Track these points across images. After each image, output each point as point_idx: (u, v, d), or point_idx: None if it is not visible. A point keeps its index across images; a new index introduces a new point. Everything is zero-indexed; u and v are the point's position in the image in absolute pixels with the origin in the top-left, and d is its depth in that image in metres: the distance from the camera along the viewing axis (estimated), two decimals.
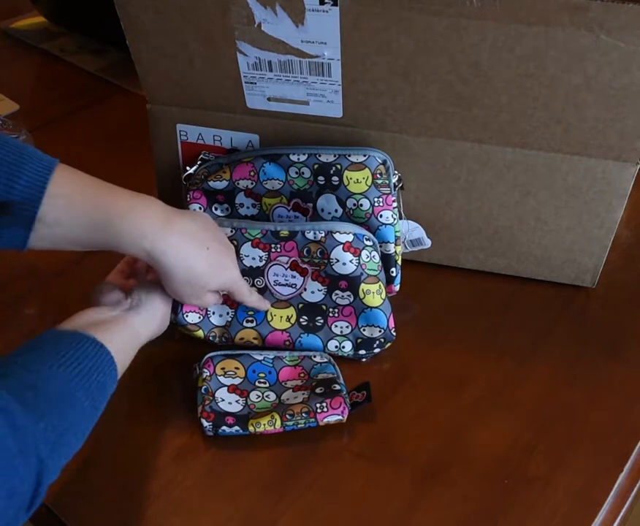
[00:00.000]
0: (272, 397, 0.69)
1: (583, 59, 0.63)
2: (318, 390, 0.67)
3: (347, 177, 0.71)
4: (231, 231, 0.72)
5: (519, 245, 0.80)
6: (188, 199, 0.76)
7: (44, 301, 0.79)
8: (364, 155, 0.71)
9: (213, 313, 0.73)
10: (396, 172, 0.74)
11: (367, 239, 0.71)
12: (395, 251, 0.75)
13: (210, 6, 0.67)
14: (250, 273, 0.72)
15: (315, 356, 0.72)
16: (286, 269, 0.72)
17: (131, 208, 0.58)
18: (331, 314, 0.72)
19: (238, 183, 0.74)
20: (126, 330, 0.60)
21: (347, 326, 0.72)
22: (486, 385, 0.71)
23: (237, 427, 0.65)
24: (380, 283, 0.71)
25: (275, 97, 0.74)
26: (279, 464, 0.64)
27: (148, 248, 0.59)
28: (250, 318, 0.73)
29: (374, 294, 0.71)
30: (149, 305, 0.64)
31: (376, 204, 0.72)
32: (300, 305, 0.73)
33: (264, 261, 0.72)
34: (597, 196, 0.74)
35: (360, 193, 0.72)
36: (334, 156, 0.72)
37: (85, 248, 0.60)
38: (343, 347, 0.72)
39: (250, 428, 0.64)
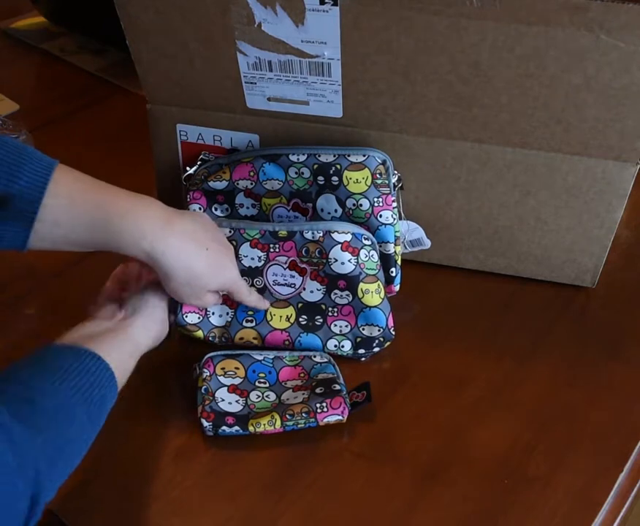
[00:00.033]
0: (272, 397, 0.69)
1: (583, 59, 0.63)
2: (318, 390, 0.67)
3: (347, 177, 0.71)
4: (230, 232, 0.72)
5: (519, 245, 0.80)
6: (188, 200, 0.76)
7: (44, 301, 0.79)
8: (364, 155, 0.71)
9: (213, 314, 0.73)
10: (396, 172, 0.74)
11: (365, 239, 0.71)
12: (395, 251, 0.75)
13: (210, 6, 0.67)
14: (250, 273, 0.72)
15: (315, 356, 0.72)
16: (285, 269, 0.72)
17: (130, 208, 0.58)
18: (330, 313, 0.72)
19: (238, 183, 0.74)
20: (124, 340, 0.60)
21: (346, 326, 0.72)
22: (486, 385, 0.71)
23: (237, 427, 0.65)
24: (379, 282, 0.71)
25: (275, 97, 0.74)
26: (279, 464, 0.64)
27: (148, 249, 0.59)
28: (249, 318, 0.73)
29: (373, 293, 0.71)
30: (144, 313, 0.63)
31: (376, 204, 0.72)
32: (299, 305, 0.73)
33: (262, 261, 0.72)
34: (597, 196, 0.74)
35: (360, 193, 0.72)
36: (334, 156, 0.72)
37: (84, 248, 0.60)
38: (343, 346, 0.72)
39: (250, 428, 0.64)
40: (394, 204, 0.73)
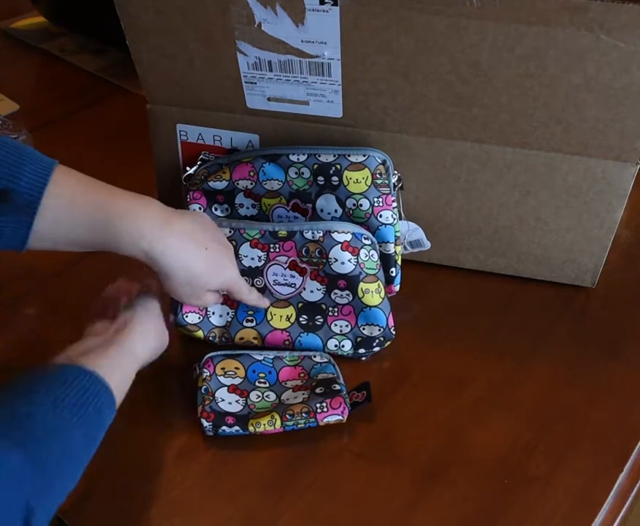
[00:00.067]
0: (272, 397, 0.69)
1: (583, 59, 0.63)
2: (318, 390, 0.67)
3: (347, 177, 0.71)
4: (230, 232, 0.72)
5: (519, 245, 0.80)
6: (188, 200, 0.76)
7: (43, 302, 0.79)
8: (364, 155, 0.71)
9: (213, 313, 0.73)
10: (396, 172, 0.74)
11: (365, 238, 0.71)
12: (395, 251, 0.75)
13: (210, 6, 0.67)
14: (250, 273, 0.72)
15: (315, 356, 0.72)
16: (285, 268, 0.72)
17: (130, 209, 0.58)
18: (330, 313, 0.72)
19: (238, 184, 0.74)
20: (120, 352, 0.58)
21: (346, 325, 0.72)
22: (486, 385, 0.71)
23: (237, 427, 0.65)
24: (379, 281, 0.71)
25: (275, 97, 0.74)
26: (279, 464, 0.64)
27: (147, 248, 0.59)
28: (250, 318, 0.73)
29: (373, 293, 0.71)
30: (138, 321, 0.61)
31: (376, 204, 0.72)
32: (300, 304, 0.73)
33: (263, 261, 0.72)
34: (597, 196, 0.74)
35: (360, 194, 0.72)
36: (334, 156, 0.72)
37: (84, 248, 0.60)
38: (343, 346, 0.72)
39: (250, 428, 0.64)
40: (394, 204, 0.73)
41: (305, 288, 0.72)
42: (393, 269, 0.75)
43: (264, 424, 0.64)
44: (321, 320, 0.72)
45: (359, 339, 0.72)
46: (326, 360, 0.72)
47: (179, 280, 0.62)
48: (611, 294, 0.81)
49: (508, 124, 0.70)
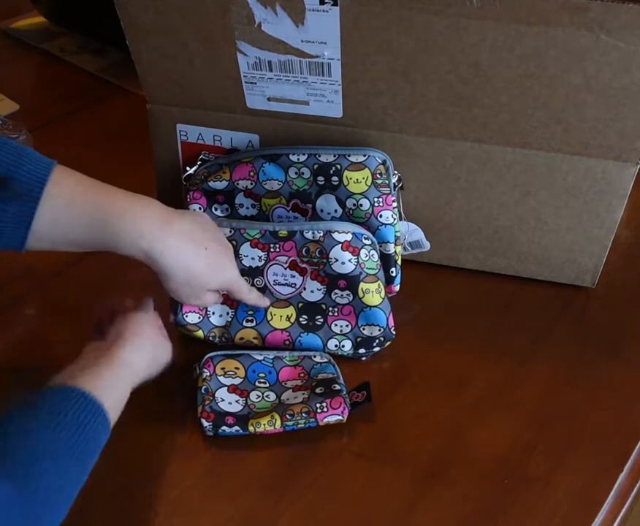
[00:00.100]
0: (272, 397, 0.69)
1: (583, 59, 0.63)
2: (318, 390, 0.67)
3: (347, 177, 0.71)
4: (230, 232, 0.72)
5: (519, 245, 0.80)
6: (188, 200, 0.76)
7: (43, 302, 0.79)
8: (364, 155, 0.71)
9: (213, 313, 0.73)
10: (396, 172, 0.74)
11: (365, 238, 0.71)
12: (395, 251, 0.75)
13: (210, 6, 0.67)
14: (250, 273, 0.72)
15: (315, 356, 0.72)
16: (285, 268, 0.72)
17: (129, 208, 0.58)
18: (330, 313, 0.72)
19: (238, 184, 0.74)
20: (114, 369, 0.56)
21: (347, 325, 0.72)
22: (486, 385, 0.71)
23: (237, 427, 0.65)
24: (379, 281, 0.71)
25: (275, 97, 0.74)
26: (279, 464, 0.64)
27: (146, 248, 0.59)
28: (250, 318, 0.73)
29: (373, 293, 0.71)
30: (131, 333, 0.60)
31: (376, 204, 0.72)
32: (300, 304, 0.73)
33: (263, 261, 0.72)
34: (597, 196, 0.74)
35: (360, 194, 0.72)
36: (334, 156, 0.72)
37: (83, 248, 0.60)
38: (343, 346, 0.72)
39: (250, 428, 0.64)
40: (394, 204, 0.73)
41: (305, 288, 0.72)
42: (393, 269, 0.75)
43: (264, 424, 0.64)
44: (321, 320, 0.72)
45: (359, 339, 0.72)
46: (326, 360, 0.71)
47: (178, 280, 0.62)
48: (611, 294, 0.81)
49: (508, 124, 0.70)
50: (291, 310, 0.73)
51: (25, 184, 0.55)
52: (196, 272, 0.62)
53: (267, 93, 0.74)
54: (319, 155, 0.72)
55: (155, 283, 0.63)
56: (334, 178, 0.72)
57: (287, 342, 0.73)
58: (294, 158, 0.72)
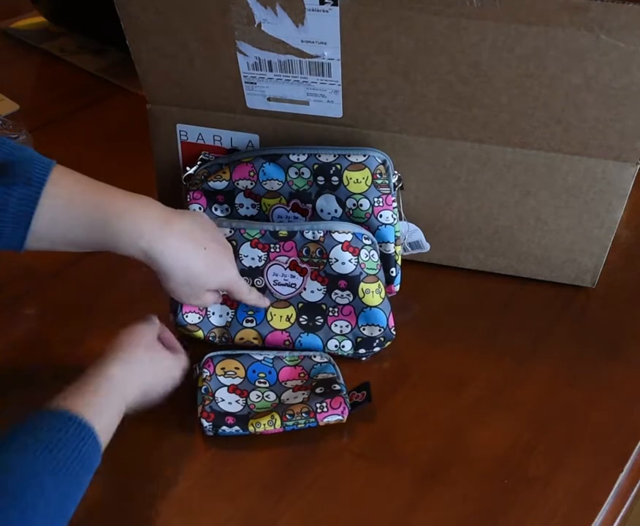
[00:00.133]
0: (272, 397, 0.68)
1: (583, 59, 0.63)
2: (318, 390, 0.67)
3: (347, 177, 0.71)
4: (230, 232, 0.72)
5: (519, 245, 0.80)
6: (188, 200, 0.76)
7: (42, 302, 0.79)
8: (364, 155, 0.71)
9: (213, 314, 0.73)
10: (396, 172, 0.74)
11: (365, 239, 0.71)
12: (395, 251, 0.75)
13: (210, 6, 0.67)
14: (250, 273, 0.72)
15: (315, 356, 0.72)
16: (286, 268, 0.72)
17: (128, 208, 0.58)
18: (330, 313, 0.72)
19: (238, 184, 0.74)
20: (106, 387, 0.55)
21: (347, 326, 0.72)
22: (486, 385, 0.71)
23: (237, 427, 0.65)
24: (379, 282, 0.71)
25: (275, 97, 0.74)
26: (279, 464, 0.64)
27: (145, 248, 0.59)
28: (250, 318, 0.73)
29: (373, 293, 0.71)
30: (119, 346, 0.59)
31: (376, 204, 0.72)
32: (300, 305, 0.73)
33: (263, 261, 0.72)
34: (597, 196, 0.74)
35: (360, 194, 0.72)
36: (334, 156, 0.72)
37: (82, 248, 0.60)
38: (343, 346, 0.72)
39: (250, 428, 0.64)
40: (395, 204, 0.73)
41: (305, 289, 0.72)
42: (393, 269, 0.75)
43: (264, 424, 0.64)
44: (322, 320, 0.72)
45: (359, 339, 0.72)
46: (326, 360, 0.71)
47: (178, 280, 0.62)
48: (611, 294, 0.81)
49: (508, 124, 0.70)
50: (291, 311, 0.73)
51: (25, 185, 0.55)
52: (195, 272, 0.62)
53: (267, 93, 0.74)
54: (319, 155, 0.72)
55: (155, 283, 0.64)
56: (334, 178, 0.72)
57: (287, 342, 0.73)
58: (294, 158, 0.72)
